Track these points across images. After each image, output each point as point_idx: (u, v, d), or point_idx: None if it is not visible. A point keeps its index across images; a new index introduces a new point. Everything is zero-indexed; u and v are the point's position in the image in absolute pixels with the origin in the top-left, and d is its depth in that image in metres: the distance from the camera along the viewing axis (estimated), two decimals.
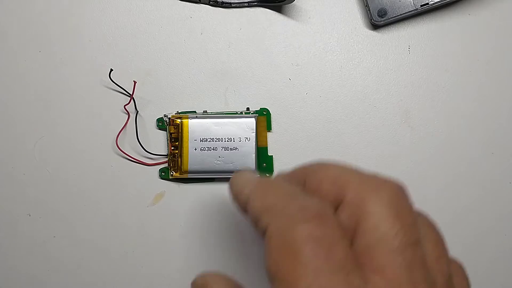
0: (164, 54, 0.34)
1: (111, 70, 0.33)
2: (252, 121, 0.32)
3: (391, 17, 0.33)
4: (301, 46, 0.34)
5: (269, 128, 0.34)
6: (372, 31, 0.35)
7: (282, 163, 0.33)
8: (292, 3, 0.34)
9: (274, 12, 0.35)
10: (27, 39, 0.34)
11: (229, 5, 0.34)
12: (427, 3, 0.33)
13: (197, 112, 0.33)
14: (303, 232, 0.20)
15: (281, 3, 0.34)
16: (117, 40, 0.34)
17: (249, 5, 0.34)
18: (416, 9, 0.33)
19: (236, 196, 0.27)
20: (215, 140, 0.32)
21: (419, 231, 0.21)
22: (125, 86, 0.33)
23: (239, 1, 0.34)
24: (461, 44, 0.35)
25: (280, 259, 0.20)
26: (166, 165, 0.33)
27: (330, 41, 0.35)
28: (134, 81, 0.33)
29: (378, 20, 0.33)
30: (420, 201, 0.22)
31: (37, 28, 0.34)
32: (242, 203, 0.26)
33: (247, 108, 0.33)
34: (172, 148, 0.32)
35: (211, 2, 0.34)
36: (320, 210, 0.21)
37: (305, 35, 0.35)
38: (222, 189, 0.33)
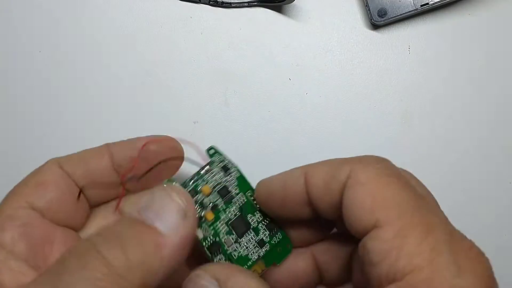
0: (164, 54, 0.34)
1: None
2: None
3: (391, 17, 0.33)
4: (301, 46, 0.34)
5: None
6: (372, 31, 0.35)
7: (281, 164, 0.33)
8: (292, 3, 0.34)
9: (274, 12, 0.35)
10: (27, 39, 0.34)
11: (229, 5, 0.34)
12: (427, 3, 0.33)
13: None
14: None
15: (281, 3, 0.34)
16: (117, 40, 0.34)
17: (249, 5, 0.34)
18: (416, 9, 0.33)
19: None
20: None
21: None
22: (122, 85, 0.33)
23: (239, 1, 0.34)
24: (461, 44, 0.35)
25: None
26: None
27: (330, 41, 0.35)
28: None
29: (378, 20, 0.33)
30: None
31: (37, 28, 0.34)
32: None
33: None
34: None
35: (211, 2, 0.34)
36: None
37: (305, 35, 0.35)
38: None
